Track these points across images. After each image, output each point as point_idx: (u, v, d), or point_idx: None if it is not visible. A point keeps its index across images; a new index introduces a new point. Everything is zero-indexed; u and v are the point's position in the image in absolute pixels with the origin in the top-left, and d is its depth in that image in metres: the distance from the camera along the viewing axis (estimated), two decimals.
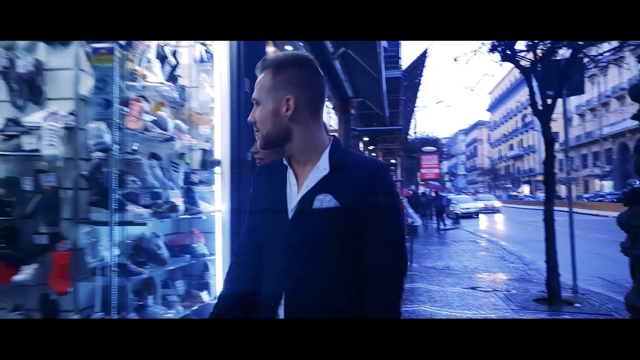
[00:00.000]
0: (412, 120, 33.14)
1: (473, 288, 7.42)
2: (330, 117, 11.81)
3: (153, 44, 3.13)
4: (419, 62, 21.45)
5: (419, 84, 25.33)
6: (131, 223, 2.46)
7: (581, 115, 45.70)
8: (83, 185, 2.44)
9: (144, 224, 2.60)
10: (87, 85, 2.53)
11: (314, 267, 1.39)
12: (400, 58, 20.93)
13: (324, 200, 1.38)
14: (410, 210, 19.64)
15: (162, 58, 3.23)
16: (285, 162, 1.47)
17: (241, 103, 3.65)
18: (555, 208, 6.51)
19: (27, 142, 2.35)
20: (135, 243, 2.77)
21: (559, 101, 6.84)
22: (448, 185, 31.00)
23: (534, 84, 6.81)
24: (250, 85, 3.76)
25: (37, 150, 2.32)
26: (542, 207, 6.75)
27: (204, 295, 3.42)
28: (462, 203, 28.23)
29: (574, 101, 41.64)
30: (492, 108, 79.50)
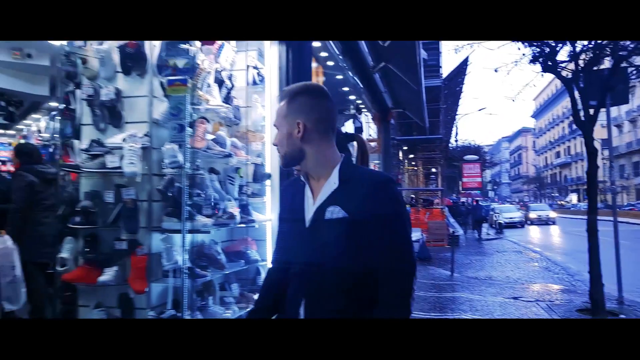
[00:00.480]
0: (454, 129, 32.90)
1: (515, 298, 7.44)
2: (369, 127, 12.09)
3: (212, 70, 3.47)
4: (460, 70, 21.40)
5: (460, 92, 25.19)
6: (198, 231, 2.79)
7: (632, 121, 44.00)
8: (157, 198, 2.80)
9: (208, 232, 2.93)
10: (159, 110, 2.90)
11: (328, 271, 1.54)
12: (440, 67, 20.95)
13: (334, 212, 1.53)
14: (452, 220, 19.56)
15: (219, 82, 3.57)
16: (302, 178, 1.66)
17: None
18: (603, 218, 6.49)
19: (110, 161, 2.72)
20: (198, 249, 3.10)
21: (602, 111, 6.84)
22: (491, 194, 30.14)
23: (576, 94, 6.84)
24: None
25: (118, 168, 2.69)
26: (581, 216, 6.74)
27: (256, 298, 3.72)
28: (506, 212, 27.67)
29: (624, 107, 40.17)
30: (537, 114, 77.40)
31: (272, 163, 3.99)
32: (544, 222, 29.33)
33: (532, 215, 29.60)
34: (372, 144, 12.01)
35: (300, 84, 1.75)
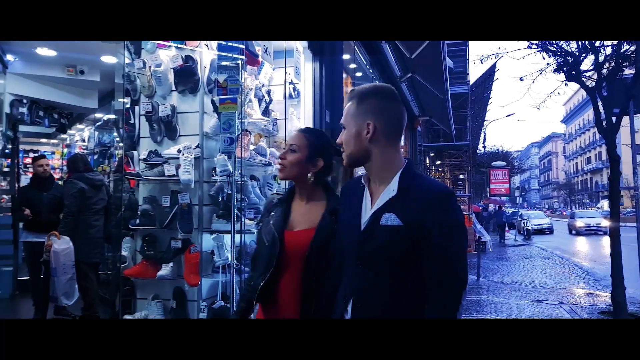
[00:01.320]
0: (481, 135, 32.75)
1: (539, 301, 7.58)
2: None
3: (253, 86, 3.83)
4: (488, 77, 21.40)
5: (488, 98, 25.15)
6: (243, 232, 3.14)
7: None
8: (207, 202, 3.16)
9: (252, 233, 3.27)
10: (209, 124, 3.26)
11: (378, 276, 1.54)
12: (467, 74, 21.00)
13: (389, 219, 1.52)
14: (479, 226, 19.52)
15: (259, 97, 3.93)
16: (363, 181, 1.67)
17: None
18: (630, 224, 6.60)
19: (167, 169, 3.09)
20: (243, 248, 3.45)
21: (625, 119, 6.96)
22: (518, 200, 29.61)
23: (599, 103, 6.98)
24: (330, 117, 4.41)
25: (175, 176, 3.06)
26: (623, 223, 6.84)
27: None
28: (534, 219, 27.40)
29: None
30: (567, 120, 76.00)
31: None
32: (593, 231, 24.71)
33: (579, 223, 25.67)
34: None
35: (372, 85, 1.76)
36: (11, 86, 5.75)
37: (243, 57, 3.16)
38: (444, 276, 1.46)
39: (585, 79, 7.25)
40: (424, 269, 1.48)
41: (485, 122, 30.77)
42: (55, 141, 10.17)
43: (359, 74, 7.82)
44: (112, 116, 7.21)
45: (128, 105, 3.55)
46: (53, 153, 10.36)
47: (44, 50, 5.25)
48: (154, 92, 3.32)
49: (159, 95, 3.33)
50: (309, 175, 1.92)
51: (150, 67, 3.27)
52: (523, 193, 46.30)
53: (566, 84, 7.63)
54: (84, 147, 9.13)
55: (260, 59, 3.48)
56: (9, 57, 5.43)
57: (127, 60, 3.40)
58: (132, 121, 3.42)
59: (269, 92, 4.06)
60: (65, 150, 9.91)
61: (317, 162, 1.92)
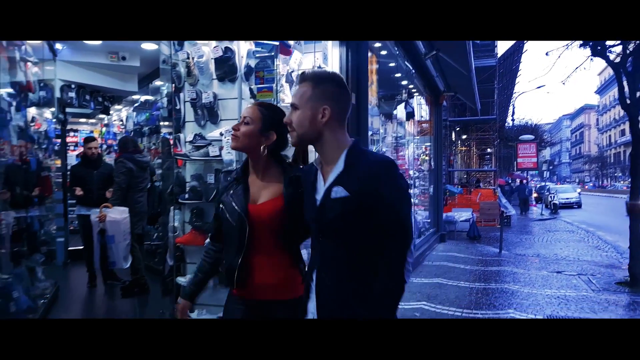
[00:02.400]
0: (510, 107, 32.32)
1: (558, 272, 7.84)
2: (422, 108, 12.46)
3: (284, 72, 4.16)
4: (517, 49, 21.09)
5: (516, 70, 24.78)
6: None
7: None
8: None
9: None
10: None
11: (337, 246, 1.67)
12: (495, 46, 20.75)
13: (338, 192, 1.64)
14: (504, 200, 19.59)
15: (290, 82, 4.26)
16: (315, 164, 1.77)
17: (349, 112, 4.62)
18: None
19: (212, 151, 3.49)
20: None
21: None
22: (546, 174, 29.26)
23: (624, 78, 7.06)
24: (355, 99, 4.72)
25: (218, 156, 3.46)
26: None
27: None
28: (562, 193, 27.21)
29: None
30: (601, 90, 73.55)
31: None
32: None
33: None
34: (424, 125, 12.43)
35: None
36: (60, 72, 6.25)
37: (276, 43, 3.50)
38: (392, 236, 1.60)
39: (610, 54, 7.33)
40: (373, 234, 1.61)
41: (514, 95, 30.38)
42: (93, 121, 10.70)
43: (383, 52, 8.03)
44: (150, 97, 7.67)
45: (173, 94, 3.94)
46: (91, 132, 10.91)
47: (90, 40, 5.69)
48: (197, 81, 3.70)
49: (202, 84, 3.71)
50: (262, 147, 1.95)
51: (193, 58, 3.65)
52: (550, 167, 45.54)
53: (592, 59, 7.70)
54: (122, 127, 9.67)
55: (292, 49, 3.81)
56: (58, 45, 5.91)
57: (171, 51, 3.80)
58: (178, 107, 3.82)
59: (298, 77, 4.40)
60: (104, 129, 10.45)
61: (270, 135, 1.94)
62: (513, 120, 34.71)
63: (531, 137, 25.56)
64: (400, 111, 9.63)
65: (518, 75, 25.58)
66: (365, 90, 4.99)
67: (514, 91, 29.11)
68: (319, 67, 4.54)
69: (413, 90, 10.62)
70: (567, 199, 26.62)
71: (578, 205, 27.23)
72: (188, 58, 3.66)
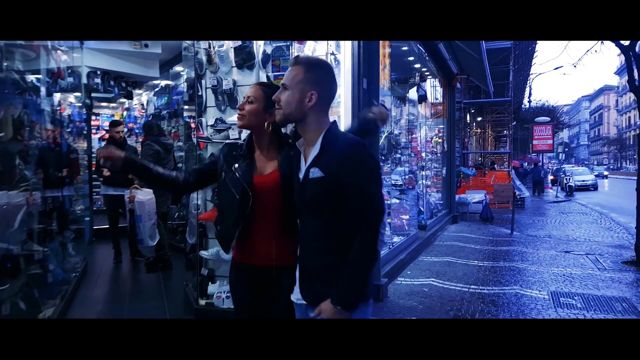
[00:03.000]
0: (527, 89, 32.00)
1: (567, 252, 8.02)
2: (436, 90, 12.57)
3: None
4: None
5: (533, 51, 24.52)
6: None
7: None
8: None
9: None
10: None
11: (317, 224, 1.81)
12: None
13: (314, 172, 1.77)
14: (518, 182, 19.62)
15: None
16: (299, 147, 1.92)
17: (360, 97, 4.84)
18: None
19: (232, 134, 3.76)
20: None
21: None
22: (561, 157, 29.03)
23: (633, 62, 7.14)
24: (367, 84, 4.93)
25: (238, 139, 3.72)
26: None
27: None
28: (577, 175, 27.09)
29: None
30: (621, 71, 71.89)
31: (345, 130, 4.90)
32: None
33: None
34: (437, 107, 12.55)
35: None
36: (87, 60, 6.56)
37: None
38: (362, 212, 1.72)
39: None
40: (347, 209, 1.73)
41: (530, 76, 30.07)
42: (114, 105, 11.03)
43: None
44: (170, 82, 7.96)
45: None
46: (112, 116, 11.26)
47: None
48: (218, 69, 3.95)
49: (222, 71, 3.96)
50: (266, 124, 2.07)
51: (214, 47, 3.90)
52: (566, 149, 45.06)
53: (602, 42, 7.76)
54: (143, 111, 9.99)
55: None
56: None
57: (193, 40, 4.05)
58: (200, 93, 4.09)
59: None
60: (125, 113, 10.78)
61: (273, 112, 1.99)
62: (530, 101, 34.45)
63: (547, 119, 25.41)
64: (412, 94, 9.78)
65: (534, 56, 25.34)
66: (376, 77, 5.19)
67: (531, 72, 28.83)
68: (332, 53, 4.76)
69: (426, 73, 10.75)
70: (582, 181, 26.53)
71: (594, 187, 27.11)
72: (209, 47, 3.90)
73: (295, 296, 1.93)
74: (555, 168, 32.70)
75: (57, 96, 5.55)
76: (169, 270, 5.86)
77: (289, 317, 2.00)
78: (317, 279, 1.82)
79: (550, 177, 28.95)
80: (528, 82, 30.86)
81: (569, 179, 24.58)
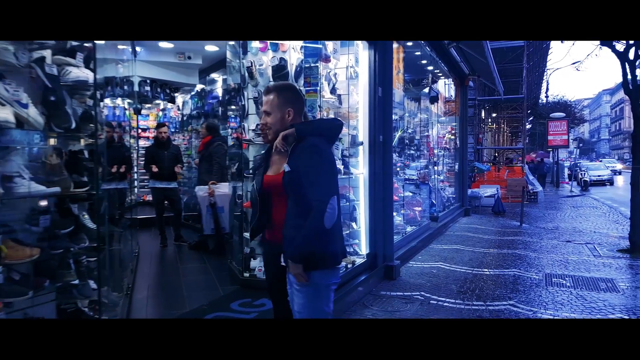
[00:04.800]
0: (543, 84, 32.26)
1: (568, 241, 8.69)
2: (450, 88, 13.23)
3: (324, 73, 5.18)
4: None
5: (547, 48, 24.87)
6: None
7: None
8: None
9: None
10: None
11: (290, 203, 2.27)
12: None
13: (286, 167, 2.24)
14: (531, 177, 20.11)
15: (328, 81, 5.29)
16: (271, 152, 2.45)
17: (376, 104, 5.63)
18: None
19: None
20: None
21: None
22: (575, 152, 29.20)
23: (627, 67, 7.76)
24: (382, 92, 5.72)
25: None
26: None
27: (353, 224, 5.54)
28: (593, 170, 27.39)
29: None
30: None
31: (363, 133, 5.71)
32: None
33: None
34: (450, 105, 13.20)
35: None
36: (139, 70, 7.46)
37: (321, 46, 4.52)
38: (314, 197, 2.15)
39: (616, 43, 8.01)
40: (306, 195, 2.17)
41: (547, 72, 30.33)
42: (149, 105, 11.92)
43: (409, 43, 8.90)
44: (206, 87, 8.85)
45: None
46: (147, 116, 12.14)
47: (164, 43, 6.87)
48: (258, 83, 4.78)
49: (262, 85, 4.79)
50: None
51: (255, 65, 4.72)
52: (581, 144, 44.95)
53: (600, 47, 8.38)
54: (178, 112, 10.89)
55: (331, 57, 4.84)
56: (137, 48, 7.10)
57: (237, 61, 4.88)
58: (242, 103, 4.92)
59: (335, 75, 5.42)
60: (160, 114, 11.69)
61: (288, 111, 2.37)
62: (547, 96, 34.66)
63: (562, 114, 25.74)
64: (425, 95, 10.49)
65: (549, 52, 25.67)
66: (390, 86, 5.96)
67: (547, 68, 29.11)
68: (351, 66, 5.55)
69: (439, 74, 11.45)
70: (598, 176, 26.82)
71: (610, 182, 27.36)
72: (251, 65, 4.73)
73: (281, 260, 2.37)
74: (571, 163, 32.94)
75: (106, 101, 6.42)
76: (207, 251, 6.67)
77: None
78: (287, 247, 2.27)
79: (566, 172, 29.29)
80: (544, 77, 31.14)
81: (584, 173, 24.92)
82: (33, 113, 2.39)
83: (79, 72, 2.83)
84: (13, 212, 2.43)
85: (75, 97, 2.98)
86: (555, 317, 4.52)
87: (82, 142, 3.13)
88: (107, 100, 6.04)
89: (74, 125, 2.62)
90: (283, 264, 2.34)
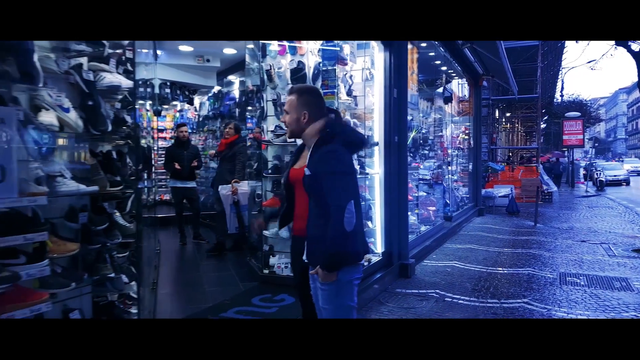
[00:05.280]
0: (559, 83, 32.02)
1: (583, 241, 8.71)
2: (464, 87, 13.29)
3: (340, 75, 5.31)
4: None
5: (562, 47, 24.70)
6: None
7: None
8: None
9: None
10: None
11: (312, 204, 2.39)
12: None
13: (307, 171, 2.33)
14: (546, 177, 20.01)
15: (345, 82, 5.42)
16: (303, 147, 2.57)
17: (391, 105, 5.75)
18: None
19: (289, 138, 4.72)
20: None
21: None
22: (591, 152, 28.92)
23: None
24: (397, 93, 5.83)
25: (294, 141, 4.68)
26: None
27: (369, 223, 5.66)
28: (609, 170, 27.15)
29: None
30: None
31: (379, 134, 5.83)
32: None
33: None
34: (464, 104, 13.25)
35: (306, 85, 2.76)
36: (159, 73, 7.67)
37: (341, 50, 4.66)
38: (334, 199, 2.22)
39: (631, 43, 8.03)
40: (326, 197, 2.25)
41: (562, 71, 30.10)
42: (166, 106, 12.15)
43: (423, 44, 8.99)
44: (223, 89, 9.04)
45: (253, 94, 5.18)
46: (165, 116, 12.36)
47: (184, 47, 7.07)
48: (277, 85, 4.93)
49: (280, 87, 4.94)
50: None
51: (274, 68, 4.87)
52: (596, 144, 44.47)
53: (615, 47, 8.41)
54: (195, 113, 11.11)
55: (348, 60, 4.98)
56: (158, 51, 7.31)
57: (256, 64, 5.03)
58: (261, 105, 5.08)
59: (351, 77, 5.55)
60: (177, 114, 11.91)
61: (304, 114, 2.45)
62: (562, 96, 34.39)
63: (577, 114, 25.56)
64: (439, 95, 10.57)
65: (564, 51, 25.49)
66: (405, 87, 6.07)
67: (562, 67, 28.90)
68: (367, 69, 5.67)
69: (453, 75, 11.51)
70: (614, 176, 26.57)
71: (626, 182, 27.09)
72: (270, 68, 4.88)
73: (304, 257, 2.51)
74: (587, 163, 32.66)
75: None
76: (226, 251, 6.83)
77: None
78: (310, 247, 2.43)
79: (582, 172, 29.07)
80: (559, 76, 30.92)
81: (600, 173, 24.71)
82: (74, 117, 2.56)
83: (112, 78, 3.00)
84: (54, 209, 2.59)
85: (105, 101, 3.15)
86: (569, 317, 4.59)
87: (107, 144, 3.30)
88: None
89: (110, 127, 2.78)
90: (306, 260, 2.45)
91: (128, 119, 3.25)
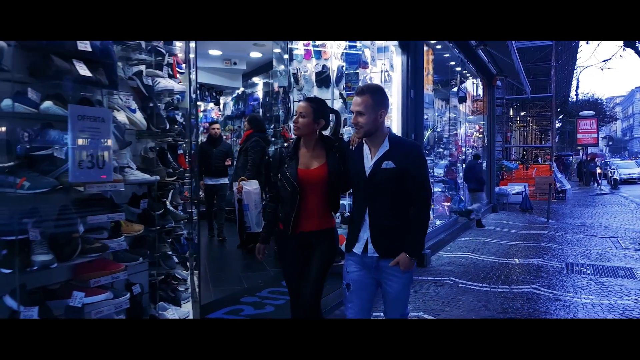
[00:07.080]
0: (573, 82, 32.00)
1: (592, 235, 9.00)
2: (478, 87, 13.58)
3: (362, 78, 5.72)
4: None
5: (577, 46, 24.78)
6: None
7: None
8: None
9: None
10: (336, 106, 5.25)
11: (382, 198, 2.38)
12: None
13: (387, 164, 2.35)
14: (559, 175, 20.16)
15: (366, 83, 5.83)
16: (364, 142, 2.47)
17: (408, 105, 6.15)
18: None
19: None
20: None
21: None
22: (605, 150, 28.93)
23: None
24: (414, 94, 6.23)
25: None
26: None
27: None
28: (623, 168, 27.14)
29: None
30: None
31: (396, 132, 6.22)
32: None
33: None
34: (479, 103, 13.54)
35: (376, 85, 2.66)
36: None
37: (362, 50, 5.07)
38: (420, 192, 2.37)
39: (639, 45, 8.32)
40: (408, 191, 2.36)
41: (577, 69, 30.12)
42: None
43: (438, 47, 9.34)
44: (247, 90, 9.50)
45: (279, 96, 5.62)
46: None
47: (213, 50, 7.54)
48: (303, 87, 5.36)
49: (306, 89, 5.36)
50: (316, 131, 2.65)
51: (301, 71, 5.30)
52: (610, 143, 44.21)
53: (624, 49, 8.69)
54: (220, 113, 11.58)
55: (369, 64, 5.39)
56: (191, 55, 7.79)
57: (282, 67, 5.47)
58: (288, 105, 5.51)
59: (371, 79, 5.96)
60: (201, 114, 12.37)
61: (320, 121, 2.63)
62: (577, 94, 34.35)
63: (591, 113, 25.63)
64: (454, 94, 10.91)
65: (579, 51, 25.56)
66: (421, 88, 6.46)
67: (577, 66, 28.95)
68: (386, 71, 6.08)
69: (467, 75, 11.84)
70: (629, 174, 26.56)
71: None
72: (297, 71, 5.31)
73: (370, 251, 2.44)
74: (603, 162, 32.61)
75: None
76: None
77: (323, 263, 2.67)
78: (384, 237, 2.42)
79: (597, 171, 29.09)
80: (574, 75, 30.92)
81: (614, 172, 24.76)
82: (139, 117, 3.00)
83: (166, 82, 3.45)
84: (120, 196, 3.04)
85: None
86: (574, 300, 4.94)
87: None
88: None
89: (167, 126, 3.23)
90: (371, 253, 2.44)
91: (178, 118, 3.69)
